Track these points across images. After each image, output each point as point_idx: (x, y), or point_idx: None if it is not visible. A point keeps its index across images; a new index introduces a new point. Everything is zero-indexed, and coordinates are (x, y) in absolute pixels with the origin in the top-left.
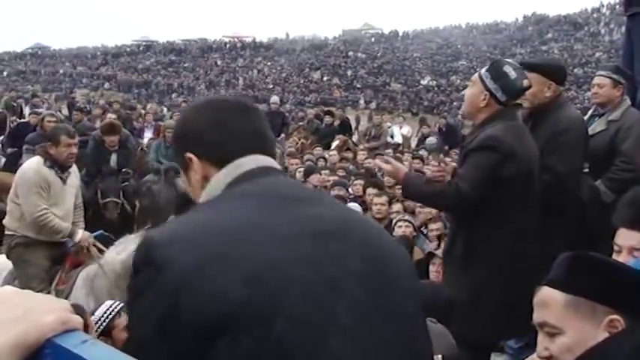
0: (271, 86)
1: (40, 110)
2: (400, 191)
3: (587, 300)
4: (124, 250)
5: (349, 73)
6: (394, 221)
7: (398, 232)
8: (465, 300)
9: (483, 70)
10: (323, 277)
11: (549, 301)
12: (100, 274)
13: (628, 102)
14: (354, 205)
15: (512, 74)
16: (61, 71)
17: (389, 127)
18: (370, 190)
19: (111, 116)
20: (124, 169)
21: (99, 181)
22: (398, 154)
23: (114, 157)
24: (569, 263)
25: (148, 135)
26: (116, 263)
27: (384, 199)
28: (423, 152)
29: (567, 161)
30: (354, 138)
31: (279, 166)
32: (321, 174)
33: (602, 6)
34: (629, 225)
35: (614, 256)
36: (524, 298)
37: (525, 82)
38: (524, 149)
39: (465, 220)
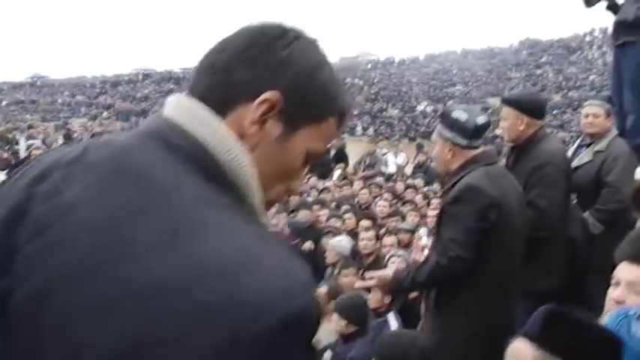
0: None
1: (32, 142)
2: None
3: (558, 359)
4: None
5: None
6: (387, 256)
7: (391, 268)
8: (443, 345)
9: (439, 124)
10: None
11: (521, 355)
12: None
13: (614, 132)
14: (343, 239)
15: (463, 116)
16: (60, 100)
17: (384, 155)
18: (362, 223)
19: None
20: None
21: None
22: (391, 184)
23: None
24: (545, 318)
25: None
26: None
27: (370, 233)
28: (417, 181)
29: (548, 196)
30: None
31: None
32: (311, 209)
33: (594, 29)
34: (631, 258)
35: (610, 291)
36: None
37: (480, 119)
38: (503, 193)
39: None
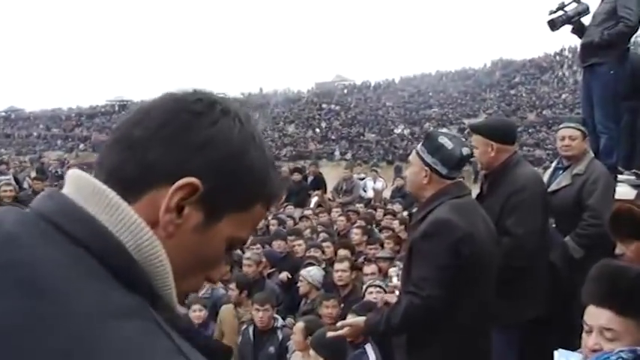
0: None
1: (2, 178)
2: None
3: None
4: None
5: (323, 125)
6: (365, 286)
7: (369, 298)
8: None
9: (419, 145)
10: None
11: None
12: None
13: (591, 154)
14: (313, 269)
15: (449, 144)
16: (35, 134)
17: (362, 180)
18: (339, 253)
19: None
20: None
21: None
22: (370, 210)
23: None
24: None
25: None
26: None
27: (345, 264)
28: (396, 206)
29: (525, 222)
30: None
31: None
32: (286, 240)
33: (564, 49)
34: (597, 301)
35: (584, 337)
36: None
37: (465, 150)
38: (473, 227)
39: None
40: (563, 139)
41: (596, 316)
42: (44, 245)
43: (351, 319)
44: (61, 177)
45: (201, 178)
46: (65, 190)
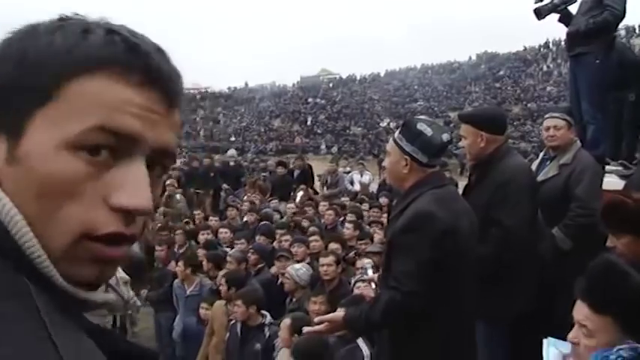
0: (233, 138)
1: None
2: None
3: None
4: None
5: (309, 119)
6: (353, 281)
7: (357, 292)
8: None
9: (397, 133)
10: None
11: None
12: None
13: (578, 144)
14: (302, 267)
15: (428, 131)
16: None
17: (348, 173)
18: (331, 246)
19: None
20: None
21: None
22: (357, 203)
23: None
24: None
25: None
26: None
27: (330, 259)
28: (382, 200)
29: (514, 213)
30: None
31: None
32: (273, 236)
33: (549, 42)
34: (579, 296)
35: (574, 329)
36: None
37: (445, 136)
38: (455, 219)
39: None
40: (548, 129)
41: (577, 310)
42: None
43: (330, 314)
44: None
45: None
46: None
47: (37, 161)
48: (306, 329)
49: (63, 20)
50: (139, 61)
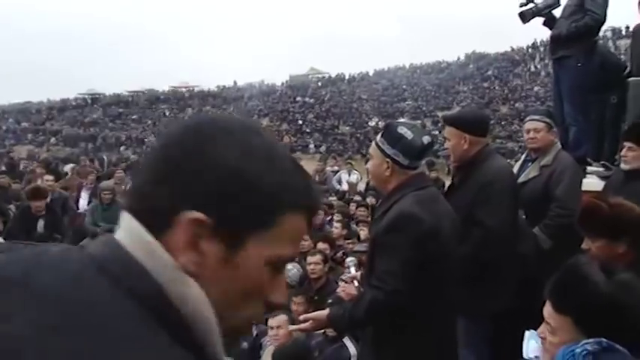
0: None
1: None
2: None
3: None
4: None
5: (298, 118)
6: (340, 279)
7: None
8: None
9: (379, 137)
10: None
11: None
12: None
13: (559, 145)
14: (292, 268)
15: (409, 134)
16: (4, 127)
17: (336, 173)
18: (320, 245)
19: (48, 178)
20: (53, 235)
21: None
22: (344, 203)
23: (41, 223)
24: None
25: (84, 197)
26: None
27: (317, 257)
28: (369, 199)
29: (496, 213)
30: None
31: None
32: None
33: (537, 42)
34: (547, 295)
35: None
36: None
37: (425, 139)
38: (437, 220)
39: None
40: (528, 131)
41: (545, 308)
42: (103, 293)
43: (315, 312)
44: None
45: (204, 208)
46: (118, 236)
47: (252, 270)
48: (291, 327)
49: (246, 136)
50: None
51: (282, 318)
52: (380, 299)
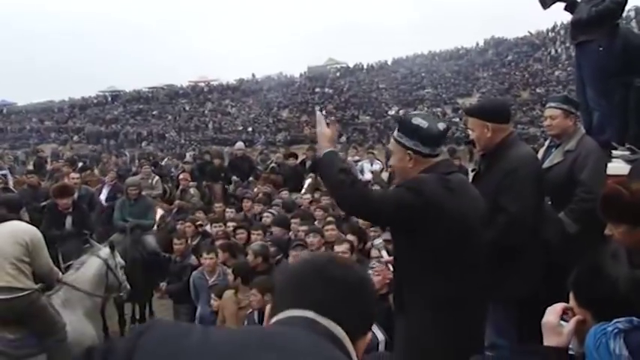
0: (240, 128)
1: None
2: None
3: None
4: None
5: (317, 109)
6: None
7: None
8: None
9: (395, 132)
10: None
11: None
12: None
13: (582, 131)
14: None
15: (424, 123)
16: (28, 127)
17: (357, 163)
18: (349, 237)
19: (73, 176)
20: (82, 231)
21: (59, 245)
22: None
23: (69, 220)
24: None
25: (104, 194)
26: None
27: (344, 246)
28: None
29: (519, 200)
30: None
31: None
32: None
33: (557, 26)
34: (570, 287)
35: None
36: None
37: (441, 125)
38: (456, 204)
39: (405, 273)
40: (546, 119)
41: (570, 295)
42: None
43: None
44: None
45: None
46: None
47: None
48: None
49: None
50: None
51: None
52: (355, 188)
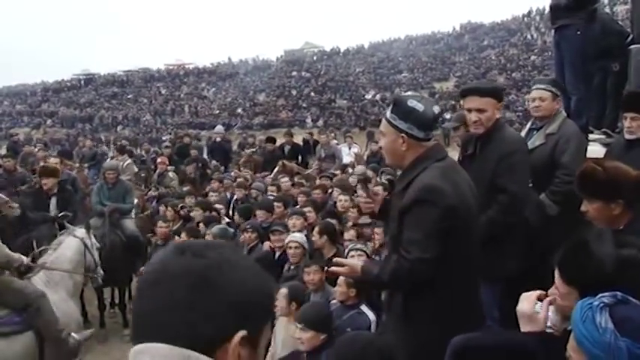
0: (217, 112)
1: None
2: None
3: None
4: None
5: (294, 92)
6: (347, 250)
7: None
8: (408, 352)
9: (388, 113)
10: None
11: None
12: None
13: (564, 114)
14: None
15: (420, 106)
16: (0, 111)
17: (337, 145)
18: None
19: (54, 160)
20: (63, 213)
21: (32, 229)
22: (344, 175)
23: (53, 202)
24: None
25: None
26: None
27: (317, 229)
28: (368, 172)
29: (518, 181)
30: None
31: None
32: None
33: (532, 11)
34: (556, 264)
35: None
36: None
37: (436, 109)
38: (459, 191)
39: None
40: (533, 100)
41: (556, 274)
42: None
43: (351, 260)
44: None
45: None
46: None
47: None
48: (332, 269)
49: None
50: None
51: (282, 292)
52: (403, 267)
